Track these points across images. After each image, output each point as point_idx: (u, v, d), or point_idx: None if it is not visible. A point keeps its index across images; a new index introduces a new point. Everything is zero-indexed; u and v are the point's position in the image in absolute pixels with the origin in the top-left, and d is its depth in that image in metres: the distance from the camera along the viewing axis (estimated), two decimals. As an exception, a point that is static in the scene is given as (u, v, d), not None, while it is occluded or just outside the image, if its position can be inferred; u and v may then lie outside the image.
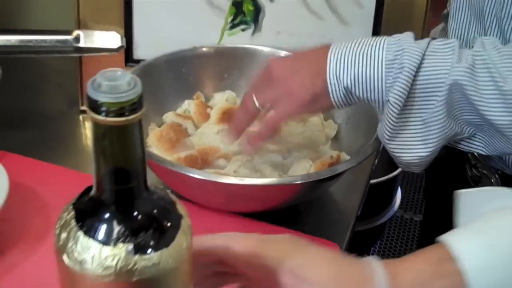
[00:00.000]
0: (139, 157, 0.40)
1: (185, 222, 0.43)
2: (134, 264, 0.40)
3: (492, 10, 0.72)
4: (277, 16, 0.97)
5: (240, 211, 0.76)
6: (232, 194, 0.73)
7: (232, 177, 0.72)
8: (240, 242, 0.51)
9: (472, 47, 0.69)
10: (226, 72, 0.93)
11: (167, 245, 0.41)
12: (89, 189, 0.43)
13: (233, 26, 0.98)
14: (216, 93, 0.92)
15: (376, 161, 0.90)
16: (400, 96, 0.68)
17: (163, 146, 0.82)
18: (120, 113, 0.38)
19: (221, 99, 0.91)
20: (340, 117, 0.89)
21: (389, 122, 0.70)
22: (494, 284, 0.48)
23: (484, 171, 0.82)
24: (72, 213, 0.42)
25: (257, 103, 0.74)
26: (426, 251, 0.51)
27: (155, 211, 0.42)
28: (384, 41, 0.70)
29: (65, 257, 0.41)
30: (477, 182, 0.84)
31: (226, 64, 0.93)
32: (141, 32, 0.97)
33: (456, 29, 0.79)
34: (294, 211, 0.79)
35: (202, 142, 0.83)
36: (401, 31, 0.71)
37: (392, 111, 0.69)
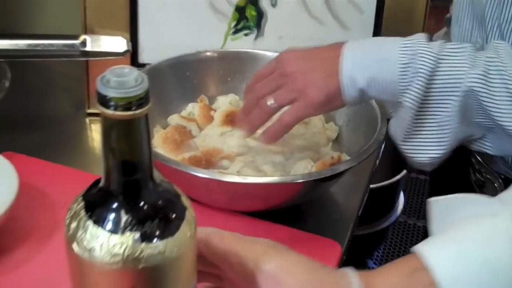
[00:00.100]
0: (145, 149, 0.42)
1: (190, 213, 0.45)
2: (141, 252, 0.42)
3: (493, 15, 0.73)
4: (279, 21, 0.99)
5: (243, 210, 0.78)
6: (235, 192, 0.74)
7: (236, 176, 0.73)
8: (221, 238, 0.51)
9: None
10: (229, 76, 0.94)
11: (172, 234, 0.43)
12: (97, 182, 0.45)
13: (236, 31, 1.00)
14: (220, 96, 0.93)
15: (378, 161, 0.91)
16: (415, 101, 0.69)
17: (168, 147, 0.83)
18: (127, 108, 0.40)
19: (225, 102, 0.92)
20: (341, 119, 0.90)
21: (403, 125, 0.71)
22: None
23: (488, 176, 0.83)
24: (82, 203, 0.43)
25: (271, 103, 0.74)
26: (399, 262, 0.51)
27: (160, 201, 0.44)
28: (398, 44, 0.70)
29: (74, 246, 0.43)
30: (481, 186, 0.85)
31: (229, 68, 0.94)
32: (147, 36, 0.99)
33: (459, 34, 0.80)
34: (296, 210, 0.80)
35: (206, 144, 0.85)
36: (400, 36, 0.72)
37: (407, 115, 0.70)
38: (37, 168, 0.84)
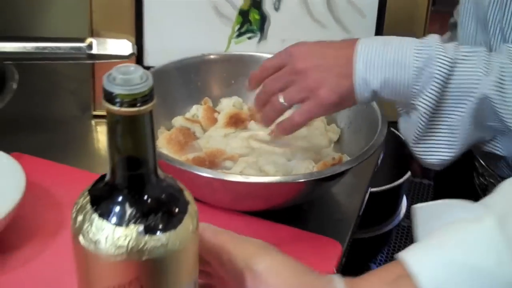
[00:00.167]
0: (150, 145, 0.43)
1: (192, 208, 0.46)
2: (144, 244, 0.43)
3: (495, 18, 0.73)
4: (282, 24, 1.00)
5: (246, 209, 0.79)
6: (238, 192, 0.75)
7: (238, 175, 0.74)
8: (214, 235, 0.52)
9: None
10: (233, 79, 0.95)
11: (174, 227, 0.44)
12: (102, 177, 0.46)
13: (239, 35, 1.01)
14: (223, 98, 0.94)
15: (379, 162, 0.92)
16: (429, 106, 0.69)
17: (172, 148, 0.84)
18: (132, 104, 0.41)
19: (228, 104, 0.93)
20: (342, 121, 0.91)
21: (415, 127, 0.71)
22: None
23: (491, 180, 0.83)
24: (88, 197, 0.45)
25: (282, 100, 0.74)
26: (384, 269, 0.51)
27: (164, 196, 0.45)
28: (412, 46, 0.69)
29: (80, 238, 0.44)
30: (484, 190, 0.85)
31: (233, 70, 0.95)
32: (152, 40, 1.00)
33: (464, 38, 0.80)
34: (298, 210, 0.81)
35: (210, 145, 0.86)
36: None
37: (420, 117, 0.70)
38: (44, 169, 0.85)
